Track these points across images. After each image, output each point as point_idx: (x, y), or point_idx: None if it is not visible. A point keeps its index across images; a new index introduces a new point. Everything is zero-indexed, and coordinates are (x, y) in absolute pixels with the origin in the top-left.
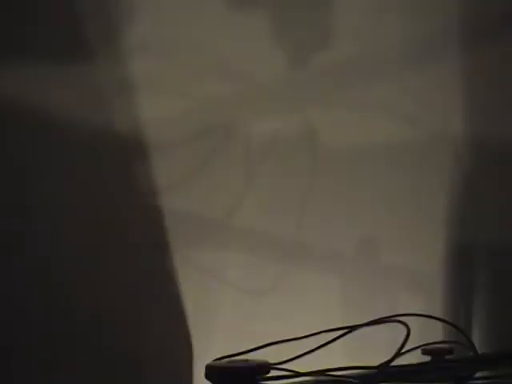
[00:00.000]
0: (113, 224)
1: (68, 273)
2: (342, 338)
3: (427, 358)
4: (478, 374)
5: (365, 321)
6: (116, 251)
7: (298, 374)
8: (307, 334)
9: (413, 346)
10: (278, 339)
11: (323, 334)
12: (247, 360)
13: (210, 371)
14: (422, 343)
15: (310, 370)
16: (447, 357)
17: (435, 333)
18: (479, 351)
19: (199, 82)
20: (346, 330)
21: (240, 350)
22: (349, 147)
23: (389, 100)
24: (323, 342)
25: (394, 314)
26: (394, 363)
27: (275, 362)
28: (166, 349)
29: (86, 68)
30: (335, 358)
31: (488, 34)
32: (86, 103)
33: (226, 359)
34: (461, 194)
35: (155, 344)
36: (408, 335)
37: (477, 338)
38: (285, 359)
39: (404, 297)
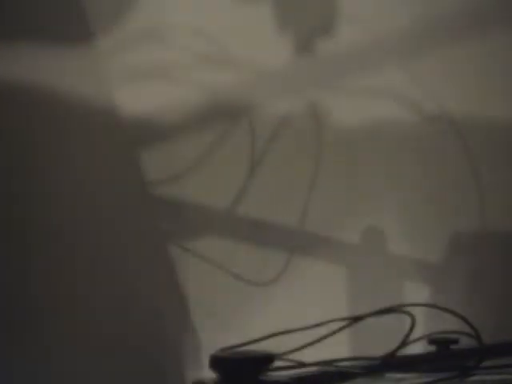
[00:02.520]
0: (115, 212)
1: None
2: (347, 329)
3: (432, 348)
4: (483, 364)
5: (370, 311)
6: (118, 239)
7: (302, 365)
8: (312, 324)
9: (418, 336)
10: (283, 329)
11: (329, 324)
12: (252, 350)
13: (214, 361)
14: (427, 333)
15: (314, 361)
16: (452, 347)
17: (441, 323)
18: (485, 341)
19: (202, 69)
20: (351, 321)
21: (245, 340)
22: (355, 134)
23: (394, 86)
24: (328, 333)
25: (399, 304)
26: (399, 353)
27: (280, 352)
28: (169, 339)
29: (87, 53)
30: (341, 348)
31: (496, 19)
32: (88, 88)
33: (231, 350)
34: (468, 182)
35: (159, 333)
36: (413, 325)
37: (483, 328)
38: (290, 350)
39: (410, 287)
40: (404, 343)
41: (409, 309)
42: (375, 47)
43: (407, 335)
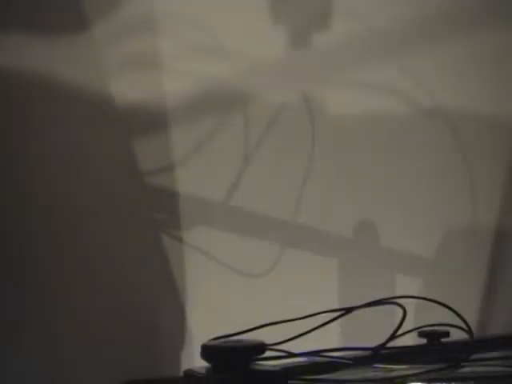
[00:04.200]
0: (112, 202)
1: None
2: (339, 320)
3: (423, 341)
4: (473, 357)
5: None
6: (114, 229)
7: (293, 355)
8: (303, 315)
9: (409, 329)
10: (275, 320)
11: (320, 315)
12: (243, 340)
13: (206, 351)
14: (418, 326)
15: (305, 351)
16: (443, 339)
17: (432, 316)
18: (476, 334)
19: (198, 60)
20: (342, 312)
21: (236, 331)
22: (349, 127)
23: (388, 79)
24: (319, 324)
25: (390, 296)
26: (389, 345)
27: (271, 342)
28: (162, 328)
29: (81, 41)
30: (332, 339)
31: (489, 16)
32: (82, 76)
33: (222, 339)
34: (460, 178)
35: (152, 322)
36: (404, 317)
37: (474, 321)
38: (281, 340)
39: (402, 280)
40: (395, 335)
41: (401, 301)
42: (370, 41)
43: (398, 327)
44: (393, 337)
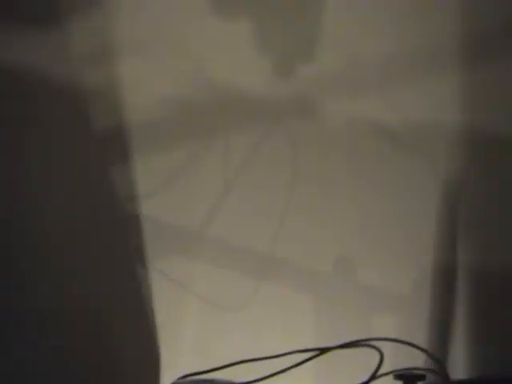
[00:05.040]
0: (86, 225)
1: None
2: (313, 360)
3: (399, 383)
4: None
5: (338, 342)
6: (87, 255)
7: None
8: (278, 353)
9: (385, 371)
10: (248, 357)
11: (295, 354)
12: (213, 380)
13: None
14: (395, 367)
15: None
16: (419, 383)
17: (409, 357)
18: (454, 377)
19: (180, 88)
20: (317, 352)
21: (209, 366)
22: (331, 160)
23: (372, 114)
24: (294, 363)
25: (368, 335)
26: None
27: (243, 381)
28: (132, 359)
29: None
30: (306, 379)
31: (483, 49)
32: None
33: (192, 377)
34: (440, 218)
35: (121, 353)
36: (381, 361)
37: (452, 363)
38: (253, 379)
39: (379, 318)
40: (372, 378)
41: (377, 342)
42: (355, 73)
43: (375, 371)
44: (370, 380)
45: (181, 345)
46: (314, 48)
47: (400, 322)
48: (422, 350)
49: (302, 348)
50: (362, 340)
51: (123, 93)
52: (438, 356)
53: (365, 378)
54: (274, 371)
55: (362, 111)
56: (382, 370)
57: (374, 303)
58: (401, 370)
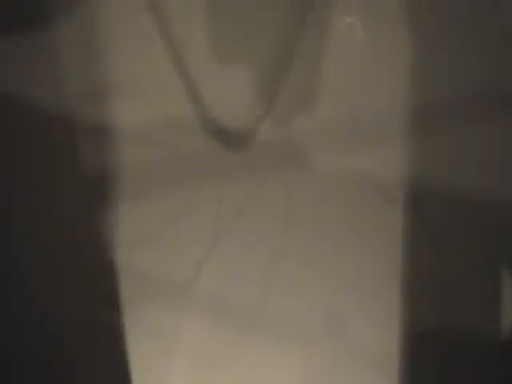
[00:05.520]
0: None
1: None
2: None
3: None
4: None
5: None
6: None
7: None
8: None
9: None
10: None
11: None
12: None
13: None
14: None
15: None
16: None
17: None
18: None
19: (173, 131)
20: None
21: None
22: (322, 217)
23: (367, 168)
24: None
25: None
26: None
27: None
28: None
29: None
30: None
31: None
32: None
33: None
34: (433, 276)
35: None
36: None
37: None
38: None
39: (367, 378)
40: None
41: None
42: (351, 126)
43: None
44: None
45: None
46: (312, 98)
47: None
48: None
49: None
50: None
51: (114, 134)
52: None
53: None
54: None
55: (357, 164)
56: None
57: (361, 364)
58: None
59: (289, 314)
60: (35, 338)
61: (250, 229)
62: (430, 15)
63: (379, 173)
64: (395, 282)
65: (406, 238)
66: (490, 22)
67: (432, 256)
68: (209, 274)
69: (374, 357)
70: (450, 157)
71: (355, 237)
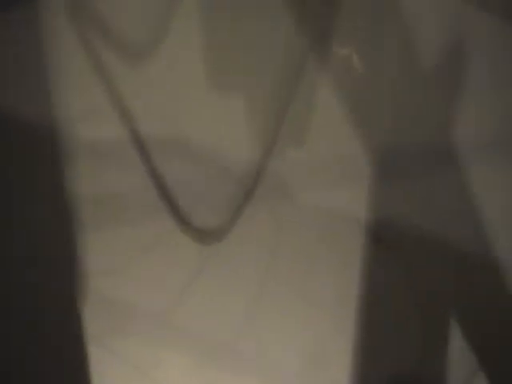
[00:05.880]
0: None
1: None
2: None
3: None
4: None
5: None
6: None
7: None
8: None
9: None
10: None
11: None
12: None
13: None
14: None
15: None
16: None
17: None
18: None
19: (163, 160)
20: None
21: None
22: (308, 252)
23: (354, 209)
24: None
25: None
26: None
27: None
28: None
29: None
30: None
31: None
32: None
33: None
34: (412, 323)
35: None
36: None
37: None
38: None
39: None
40: None
41: None
42: (342, 165)
43: None
44: None
45: None
46: (304, 134)
47: None
48: None
49: None
50: None
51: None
52: None
53: None
54: None
55: (345, 204)
56: None
57: None
58: None
59: (269, 349)
60: None
61: (234, 259)
62: (426, 51)
63: (363, 211)
64: (374, 322)
65: (387, 278)
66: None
67: (410, 298)
68: (188, 304)
69: None
70: (430, 199)
71: (343, 276)
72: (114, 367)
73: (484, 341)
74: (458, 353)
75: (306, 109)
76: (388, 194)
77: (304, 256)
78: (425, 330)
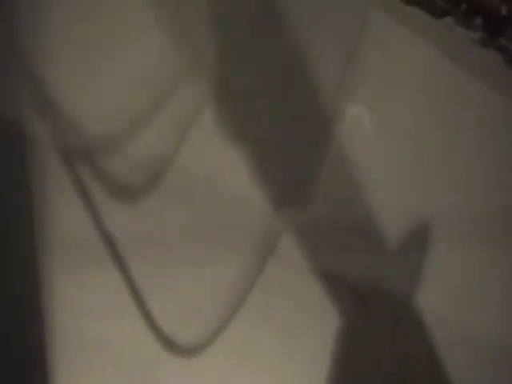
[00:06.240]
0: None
1: None
2: None
3: None
4: None
5: None
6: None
7: None
8: None
9: None
10: None
11: None
12: None
13: None
14: None
15: None
16: None
17: None
18: None
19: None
20: None
21: None
22: (294, 310)
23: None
24: None
25: None
26: None
27: None
28: None
29: None
30: None
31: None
32: None
33: None
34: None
35: None
36: None
37: None
38: None
39: None
40: None
41: None
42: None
43: None
44: None
45: None
46: (306, 191)
47: None
48: None
49: None
50: None
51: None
52: None
53: None
54: None
55: (336, 267)
56: None
57: None
58: None
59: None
60: None
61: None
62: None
63: (354, 275)
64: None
65: (376, 340)
66: None
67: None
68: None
69: None
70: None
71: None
72: None
73: None
74: None
75: (316, 171)
76: (381, 260)
77: (288, 316)
78: None
